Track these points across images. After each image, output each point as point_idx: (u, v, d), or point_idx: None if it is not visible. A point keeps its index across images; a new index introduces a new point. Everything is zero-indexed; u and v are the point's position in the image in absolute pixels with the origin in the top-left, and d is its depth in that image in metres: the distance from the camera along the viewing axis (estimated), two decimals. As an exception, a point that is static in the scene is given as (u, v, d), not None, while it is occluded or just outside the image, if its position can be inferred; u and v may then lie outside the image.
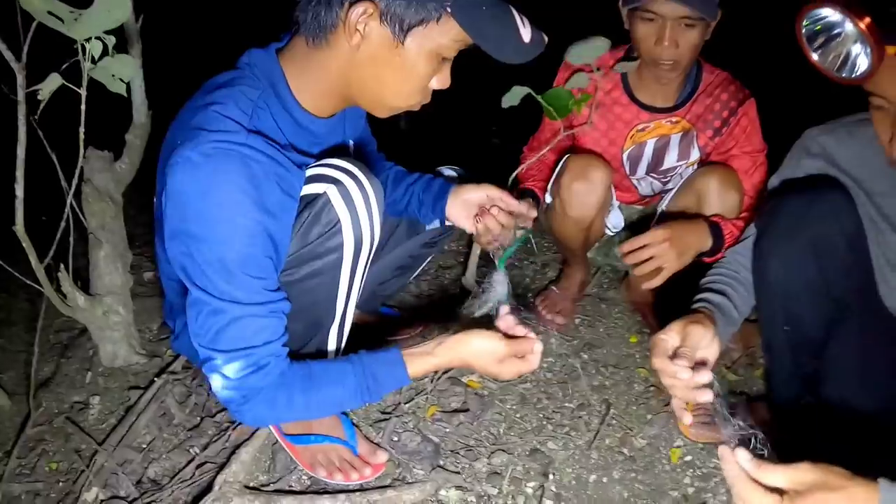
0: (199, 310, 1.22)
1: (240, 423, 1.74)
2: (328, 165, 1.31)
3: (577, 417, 1.86)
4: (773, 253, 1.40)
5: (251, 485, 1.61)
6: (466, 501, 1.57)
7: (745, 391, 1.97)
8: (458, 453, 1.71)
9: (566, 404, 1.90)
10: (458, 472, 1.64)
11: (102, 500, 1.63)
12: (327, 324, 1.42)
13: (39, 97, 1.35)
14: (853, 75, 1.10)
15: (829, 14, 1.05)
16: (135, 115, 1.91)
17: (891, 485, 0.96)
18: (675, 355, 1.19)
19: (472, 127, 4.04)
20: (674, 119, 2.04)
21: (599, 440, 1.78)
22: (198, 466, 1.68)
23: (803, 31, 1.11)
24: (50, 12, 1.27)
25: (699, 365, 1.20)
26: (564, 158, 2.05)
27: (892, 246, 1.37)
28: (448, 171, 1.86)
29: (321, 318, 1.41)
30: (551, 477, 1.65)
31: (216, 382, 1.26)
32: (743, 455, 0.94)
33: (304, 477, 1.64)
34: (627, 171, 2.15)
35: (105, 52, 1.36)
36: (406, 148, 2.21)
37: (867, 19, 0.97)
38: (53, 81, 1.34)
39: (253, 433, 1.68)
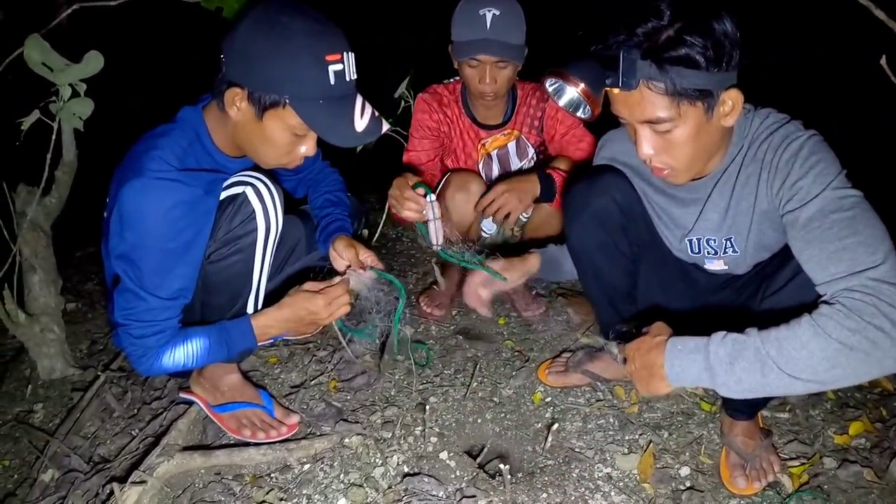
0: (125, 295, 1.65)
1: (172, 403, 2.08)
2: (246, 175, 1.75)
3: (454, 379, 2.30)
4: (570, 227, 1.89)
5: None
6: (367, 445, 1.95)
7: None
8: (357, 411, 2.11)
9: (445, 371, 2.34)
10: (358, 423, 2.03)
11: (59, 478, 1.93)
12: (246, 294, 1.84)
13: (23, 127, 1.75)
14: (585, 115, 1.60)
15: (558, 82, 1.55)
16: (64, 154, 2.22)
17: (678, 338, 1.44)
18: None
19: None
20: (506, 131, 2.61)
21: (473, 393, 2.21)
22: (140, 441, 2.00)
23: (549, 89, 1.60)
24: (44, 63, 1.69)
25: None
26: (446, 176, 2.55)
27: (660, 204, 1.85)
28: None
29: (241, 289, 1.83)
30: (435, 421, 2.06)
31: (126, 343, 1.70)
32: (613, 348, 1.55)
33: (232, 440, 1.99)
34: (485, 179, 2.67)
35: (75, 95, 1.77)
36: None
37: (581, 85, 1.47)
38: (34, 115, 1.76)
39: (186, 410, 2.02)
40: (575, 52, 1.49)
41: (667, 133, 1.46)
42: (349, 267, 1.92)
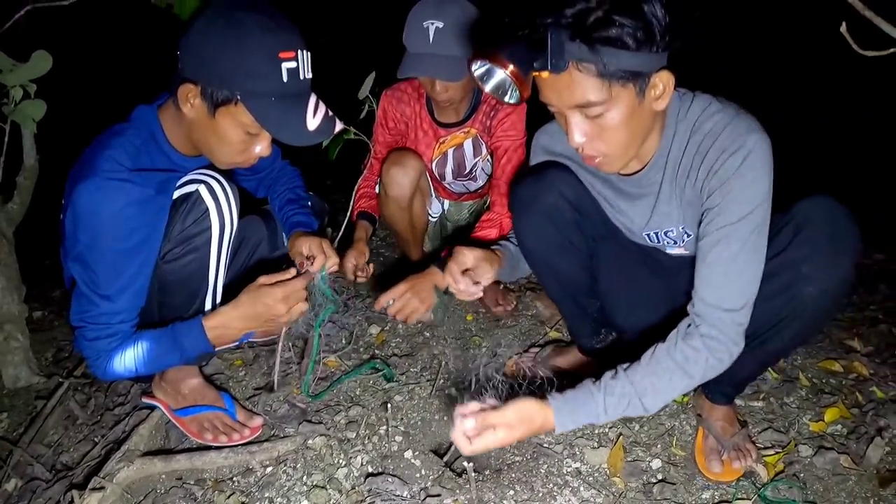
0: (80, 299, 1.64)
1: (135, 409, 2.04)
2: (199, 173, 1.71)
3: (420, 377, 2.26)
4: (520, 228, 1.84)
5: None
6: (330, 446, 1.92)
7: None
8: (321, 412, 2.08)
9: (411, 369, 2.30)
10: (321, 424, 2.00)
11: (21, 486, 1.90)
12: (203, 293, 1.81)
13: None
14: (512, 101, 1.56)
15: (487, 64, 1.50)
16: (25, 159, 2.19)
17: (559, 403, 1.49)
18: (465, 273, 1.71)
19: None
20: (465, 130, 2.55)
21: (439, 391, 2.17)
22: (103, 448, 1.96)
23: (475, 72, 1.55)
24: None
25: (476, 283, 1.73)
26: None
27: (608, 197, 1.79)
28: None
29: (197, 288, 1.80)
30: (400, 420, 2.02)
31: (81, 346, 1.68)
32: (468, 423, 1.42)
33: (195, 444, 1.95)
34: (438, 178, 2.67)
35: (26, 97, 1.74)
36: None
37: (511, 67, 1.42)
38: None
39: (148, 415, 1.99)
40: (500, 34, 1.44)
41: (598, 118, 1.41)
42: (308, 258, 1.87)
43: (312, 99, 1.61)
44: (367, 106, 2.47)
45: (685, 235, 1.71)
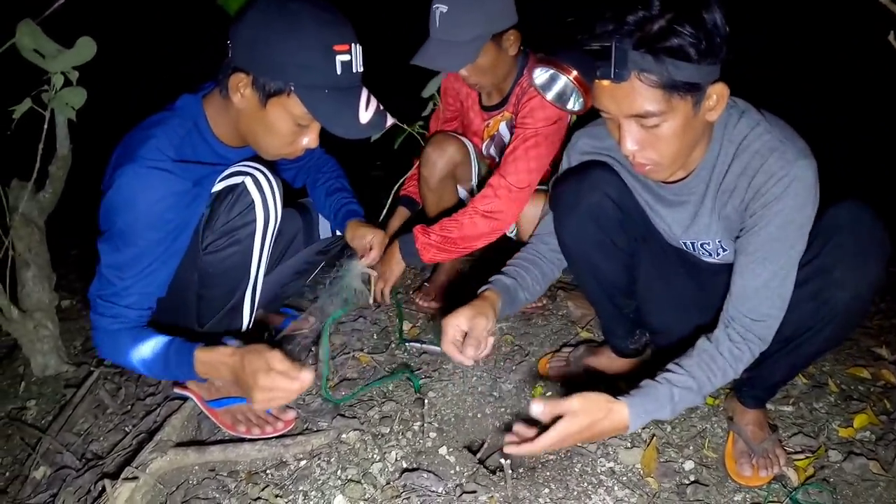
0: (101, 277, 1.64)
1: (167, 399, 2.04)
2: (245, 164, 1.72)
3: (453, 374, 2.26)
4: (563, 227, 1.82)
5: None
6: (364, 441, 1.92)
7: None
8: (354, 407, 2.08)
9: (443, 366, 2.30)
10: (355, 418, 2.00)
11: (50, 475, 1.90)
12: (243, 287, 1.81)
13: (14, 116, 1.71)
14: (576, 108, 1.56)
15: (550, 71, 1.49)
16: (58, 149, 2.19)
17: (633, 398, 1.47)
18: (465, 339, 1.61)
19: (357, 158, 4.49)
20: (501, 113, 2.50)
21: (472, 388, 2.18)
22: (134, 437, 1.97)
23: (536, 81, 1.55)
24: (36, 50, 1.66)
25: (479, 344, 1.62)
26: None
27: (648, 201, 1.79)
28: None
29: (238, 281, 1.80)
30: (434, 416, 2.02)
31: (91, 318, 1.68)
32: (536, 407, 1.39)
33: (227, 436, 1.95)
34: (489, 159, 2.67)
35: (67, 84, 1.74)
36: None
37: (574, 73, 1.41)
38: (25, 104, 1.72)
39: (180, 406, 1.99)
40: (559, 41, 1.44)
41: (654, 128, 1.40)
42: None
43: (364, 93, 1.61)
44: (431, 104, 2.47)
45: (721, 249, 1.72)
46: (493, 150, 2.63)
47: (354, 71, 1.56)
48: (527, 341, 2.45)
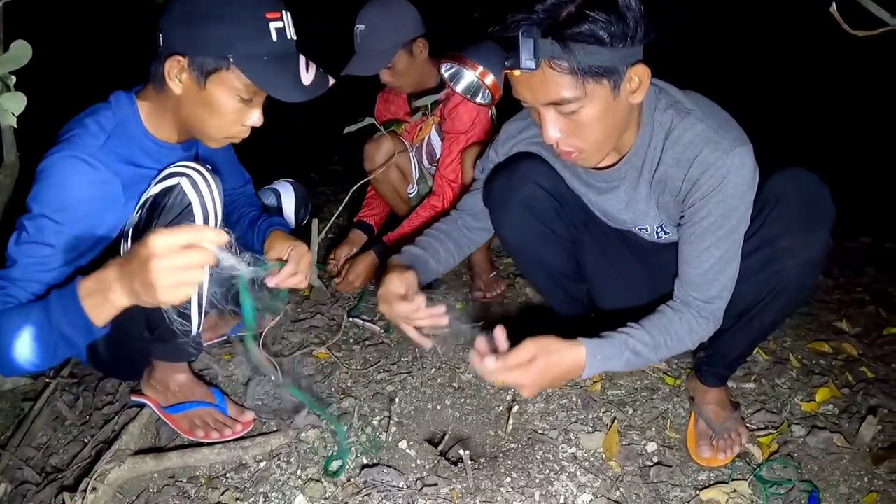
0: (9, 251, 1.52)
1: (124, 407, 2.02)
2: (180, 165, 1.66)
3: (412, 366, 2.24)
4: (500, 223, 1.82)
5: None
6: (324, 438, 1.90)
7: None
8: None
9: (402, 359, 2.29)
10: (314, 416, 1.98)
11: (11, 491, 1.87)
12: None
13: None
14: (484, 101, 1.55)
15: (453, 67, 1.49)
16: (5, 156, 2.15)
17: (589, 340, 1.44)
18: (406, 298, 1.59)
19: (317, 150, 4.52)
20: (434, 117, 2.70)
21: (432, 379, 2.17)
22: (93, 448, 1.94)
23: (445, 75, 1.55)
24: None
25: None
26: None
27: (580, 190, 1.79)
28: (282, 184, 2.25)
29: None
30: (393, 410, 2.00)
31: None
32: (489, 360, 1.39)
33: (186, 441, 1.92)
34: (416, 165, 2.94)
35: (6, 90, 1.69)
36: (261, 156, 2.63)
37: (480, 68, 1.41)
38: None
39: (138, 413, 1.96)
40: (472, 34, 1.44)
41: (573, 114, 1.40)
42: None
43: (302, 58, 1.63)
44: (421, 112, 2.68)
45: (663, 232, 1.72)
46: (424, 153, 2.87)
47: (289, 37, 1.58)
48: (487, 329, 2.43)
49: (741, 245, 1.56)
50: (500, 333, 1.44)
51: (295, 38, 1.61)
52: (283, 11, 1.56)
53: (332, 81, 1.68)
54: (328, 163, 4.58)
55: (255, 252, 1.73)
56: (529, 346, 1.41)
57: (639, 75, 1.40)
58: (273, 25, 1.53)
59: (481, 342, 1.44)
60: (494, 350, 1.43)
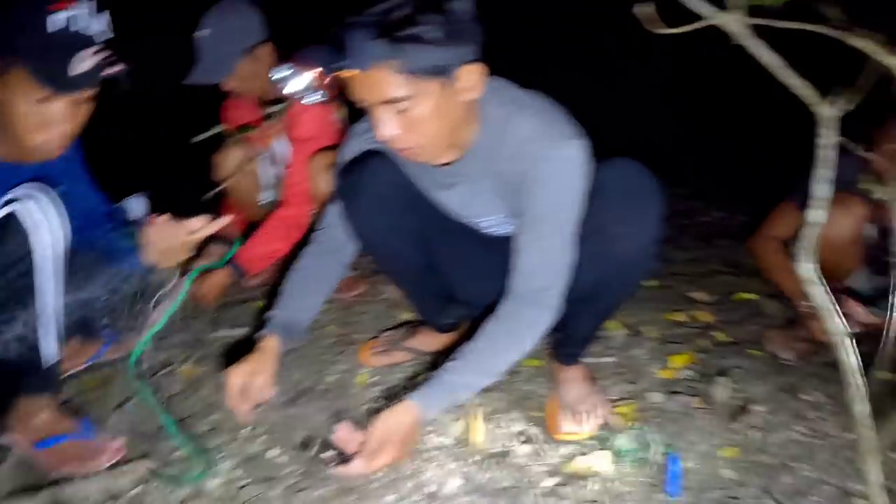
0: None
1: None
2: (12, 192, 1.62)
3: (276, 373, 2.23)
4: (352, 221, 1.87)
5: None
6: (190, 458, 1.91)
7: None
8: (184, 421, 2.06)
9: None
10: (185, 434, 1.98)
11: None
12: (31, 321, 1.72)
13: None
14: (323, 99, 1.61)
15: (289, 69, 1.54)
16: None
17: (418, 393, 1.60)
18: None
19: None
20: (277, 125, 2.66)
21: (298, 383, 2.21)
22: (-40, 494, 1.90)
23: (275, 77, 1.60)
24: None
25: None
26: None
27: (424, 186, 1.85)
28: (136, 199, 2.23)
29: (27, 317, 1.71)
30: (261, 420, 2.01)
31: None
32: (356, 465, 1.57)
33: (58, 476, 1.88)
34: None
35: None
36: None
37: (315, 69, 1.47)
38: None
39: (7, 455, 1.93)
40: (307, 38, 1.50)
41: (406, 112, 1.47)
42: None
43: (90, 50, 1.59)
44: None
45: (507, 224, 1.80)
46: (269, 160, 2.83)
47: (72, 29, 1.56)
48: (350, 329, 2.50)
49: (574, 235, 1.63)
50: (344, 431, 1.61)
51: (84, 26, 1.58)
52: (69, 3, 1.56)
53: (118, 67, 1.64)
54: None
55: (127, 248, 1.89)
56: (371, 432, 1.56)
57: (473, 73, 1.49)
58: (55, 18, 1.53)
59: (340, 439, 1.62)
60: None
